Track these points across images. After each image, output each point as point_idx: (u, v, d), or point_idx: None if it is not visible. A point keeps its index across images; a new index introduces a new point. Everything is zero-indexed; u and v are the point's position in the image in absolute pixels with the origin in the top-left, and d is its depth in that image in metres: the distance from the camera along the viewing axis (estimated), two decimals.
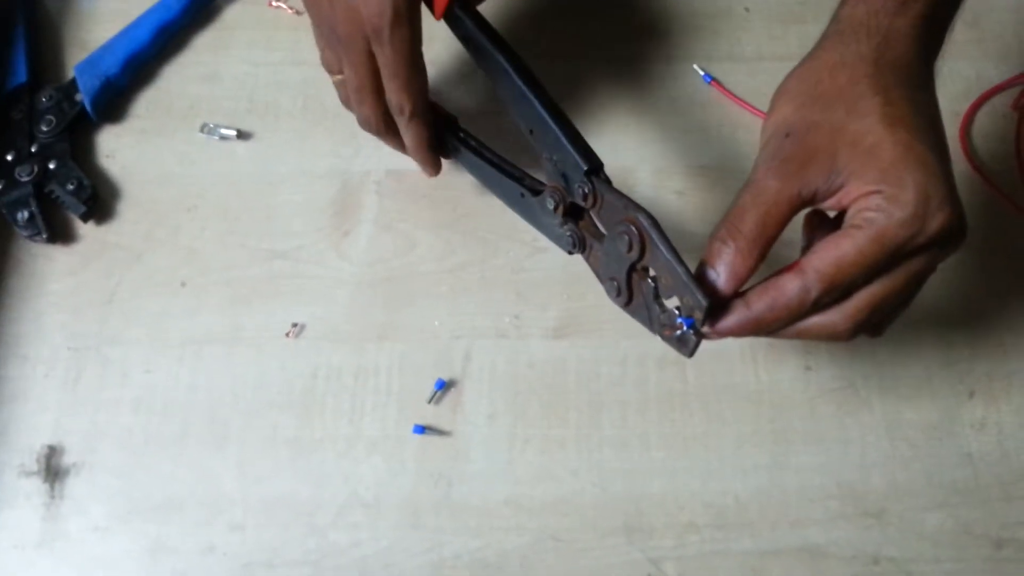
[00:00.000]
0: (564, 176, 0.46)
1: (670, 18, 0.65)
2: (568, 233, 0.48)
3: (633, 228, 0.41)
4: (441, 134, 0.53)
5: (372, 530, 0.51)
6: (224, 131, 0.61)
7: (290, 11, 0.65)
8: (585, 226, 0.47)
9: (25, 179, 0.58)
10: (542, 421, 0.54)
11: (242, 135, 0.61)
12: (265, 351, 0.55)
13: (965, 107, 0.62)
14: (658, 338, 0.43)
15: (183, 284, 0.57)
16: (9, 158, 0.58)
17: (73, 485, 0.52)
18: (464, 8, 0.49)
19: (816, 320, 0.40)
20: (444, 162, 0.55)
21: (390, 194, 0.59)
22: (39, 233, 0.57)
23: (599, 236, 0.46)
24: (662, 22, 0.65)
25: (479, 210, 0.59)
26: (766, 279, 0.40)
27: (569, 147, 0.45)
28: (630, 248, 0.42)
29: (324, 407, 0.54)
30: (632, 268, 0.43)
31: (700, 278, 0.40)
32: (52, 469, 0.52)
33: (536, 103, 0.46)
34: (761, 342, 0.55)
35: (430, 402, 0.54)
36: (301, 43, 0.64)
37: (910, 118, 0.40)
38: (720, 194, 0.59)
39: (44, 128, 0.59)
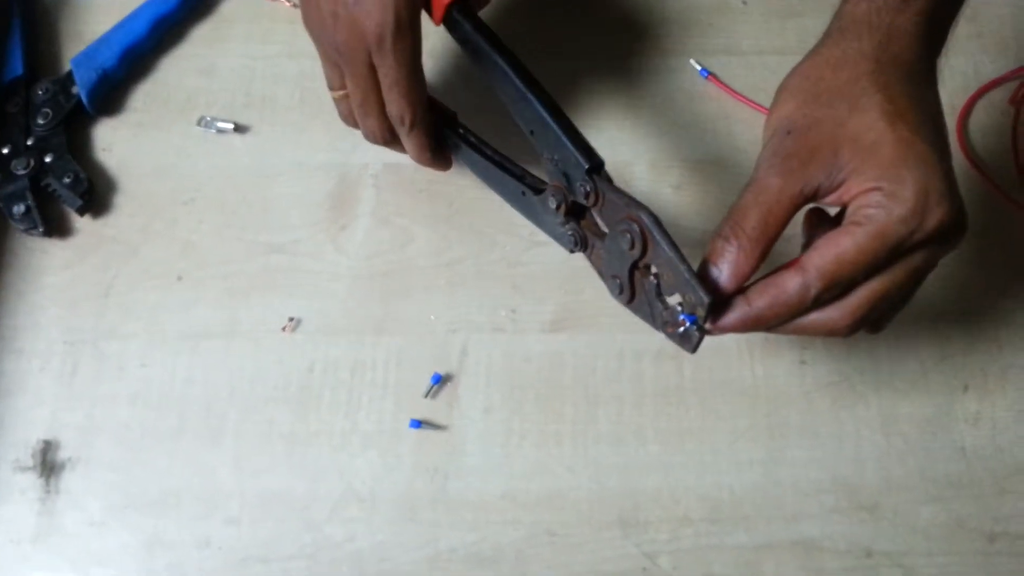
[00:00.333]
0: (566, 175, 0.46)
1: (667, 12, 0.65)
2: (570, 232, 0.48)
3: (635, 226, 0.41)
4: (441, 131, 0.53)
5: (368, 524, 0.51)
6: (221, 124, 0.61)
7: (287, 4, 0.65)
8: (587, 224, 0.47)
9: (21, 172, 0.57)
10: (538, 415, 0.54)
11: (239, 128, 0.61)
12: (262, 345, 0.55)
13: (962, 101, 0.62)
14: (655, 333, 0.43)
15: (180, 278, 0.57)
16: (5, 151, 0.58)
17: (69, 479, 0.52)
18: (463, 12, 0.49)
19: (816, 316, 0.40)
20: None
21: (387, 188, 0.59)
22: (35, 227, 0.57)
23: (600, 234, 0.46)
24: (659, 16, 0.65)
25: (476, 204, 0.59)
26: (767, 276, 0.40)
27: (570, 146, 0.45)
28: (632, 246, 0.42)
29: (320, 401, 0.54)
30: (634, 266, 0.43)
31: (703, 275, 0.40)
32: (48, 464, 0.52)
33: (536, 103, 0.46)
34: (757, 337, 0.55)
35: (426, 396, 0.54)
36: (298, 36, 0.63)
37: (911, 115, 0.40)
38: (717, 188, 0.59)
39: (40, 121, 0.59)
